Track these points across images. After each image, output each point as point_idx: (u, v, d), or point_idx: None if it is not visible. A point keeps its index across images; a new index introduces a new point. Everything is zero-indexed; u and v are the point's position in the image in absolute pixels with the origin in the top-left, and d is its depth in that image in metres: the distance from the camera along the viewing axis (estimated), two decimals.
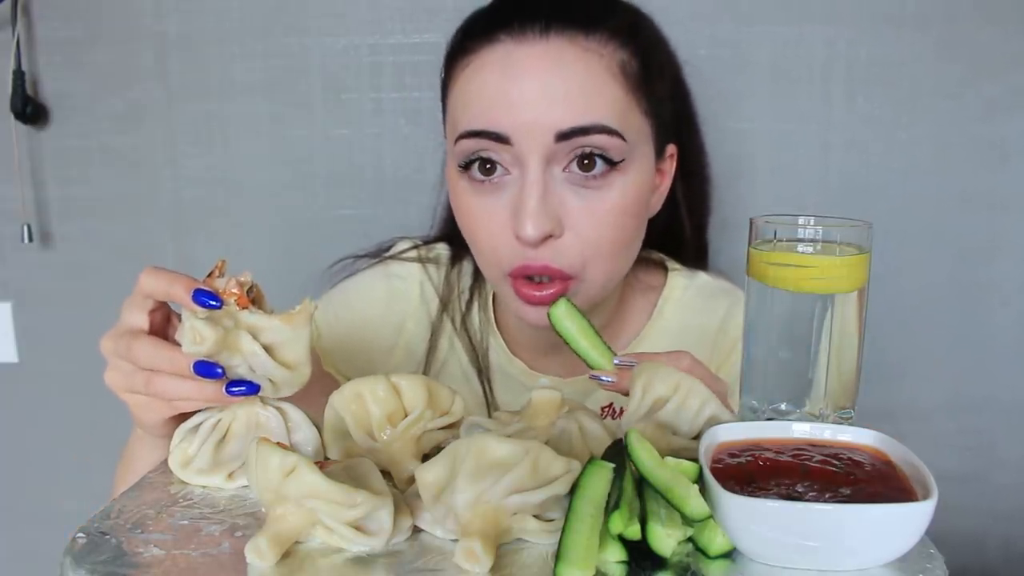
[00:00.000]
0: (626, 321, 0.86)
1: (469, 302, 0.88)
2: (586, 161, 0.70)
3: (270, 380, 0.55)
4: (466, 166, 0.73)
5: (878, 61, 1.08)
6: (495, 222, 0.72)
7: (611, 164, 0.70)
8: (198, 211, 1.17)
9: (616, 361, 0.62)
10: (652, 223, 0.83)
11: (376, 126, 1.13)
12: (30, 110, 1.13)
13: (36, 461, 1.26)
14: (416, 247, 0.91)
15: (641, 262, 0.88)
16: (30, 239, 1.17)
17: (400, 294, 0.88)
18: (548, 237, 0.70)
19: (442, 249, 0.91)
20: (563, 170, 0.70)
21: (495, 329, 0.87)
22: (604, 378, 0.62)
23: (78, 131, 1.16)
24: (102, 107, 1.15)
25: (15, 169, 1.15)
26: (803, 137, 1.10)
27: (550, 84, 0.69)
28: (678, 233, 0.88)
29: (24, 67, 1.12)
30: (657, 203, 0.80)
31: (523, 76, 0.69)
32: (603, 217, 0.71)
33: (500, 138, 0.70)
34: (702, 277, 0.88)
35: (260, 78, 1.13)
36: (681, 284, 0.87)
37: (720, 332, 0.85)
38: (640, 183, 0.73)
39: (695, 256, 0.92)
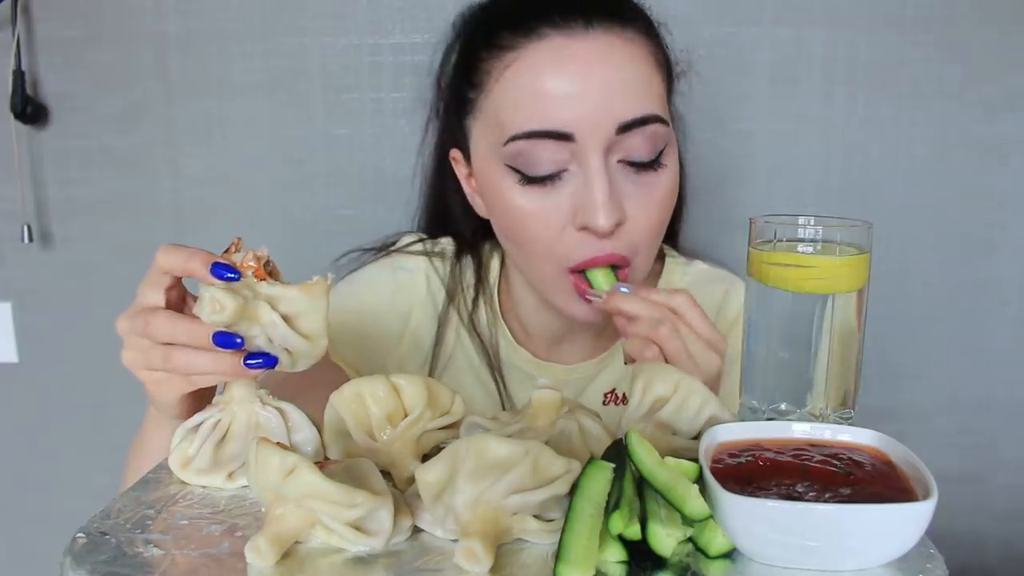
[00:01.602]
0: None
1: (475, 299, 0.89)
2: (641, 151, 0.72)
3: (287, 351, 0.55)
4: (526, 172, 0.72)
5: (878, 62, 1.08)
6: (555, 219, 0.73)
7: (660, 152, 0.73)
8: (198, 211, 1.17)
9: (620, 287, 0.67)
10: None
11: (376, 126, 1.13)
12: (30, 110, 1.13)
13: (36, 461, 1.26)
14: (421, 240, 0.92)
15: None
16: (30, 239, 1.17)
17: (406, 286, 0.89)
18: (617, 226, 0.72)
19: (447, 244, 0.91)
20: (618, 161, 0.72)
21: (501, 321, 0.88)
22: None
23: (78, 131, 1.16)
24: (102, 107, 1.15)
25: (15, 169, 1.15)
26: (803, 137, 1.10)
27: (606, 76, 0.70)
28: (673, 222, 0.90)
29: (24, 67, 1.12)
30: None
31: (578, 70, 0.70)
32: (657, 203, 0.74)
33: (562, 136, 0.70)
34: (698, 264, 0.90)
35: (260, 78, 1.13)
36: (679, 271, 0.89)
37: (718, 316, 0.86)
38: (677, 169, 0.77)
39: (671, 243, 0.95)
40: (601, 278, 0.72)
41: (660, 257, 0.90)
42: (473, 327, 0.88)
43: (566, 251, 0.73)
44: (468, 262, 0.90)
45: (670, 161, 0.75)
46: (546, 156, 0.71)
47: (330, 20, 1.11)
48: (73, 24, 1.13)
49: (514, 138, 0.72)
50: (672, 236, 0.93)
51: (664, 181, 0.74)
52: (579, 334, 0.87)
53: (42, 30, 1.13)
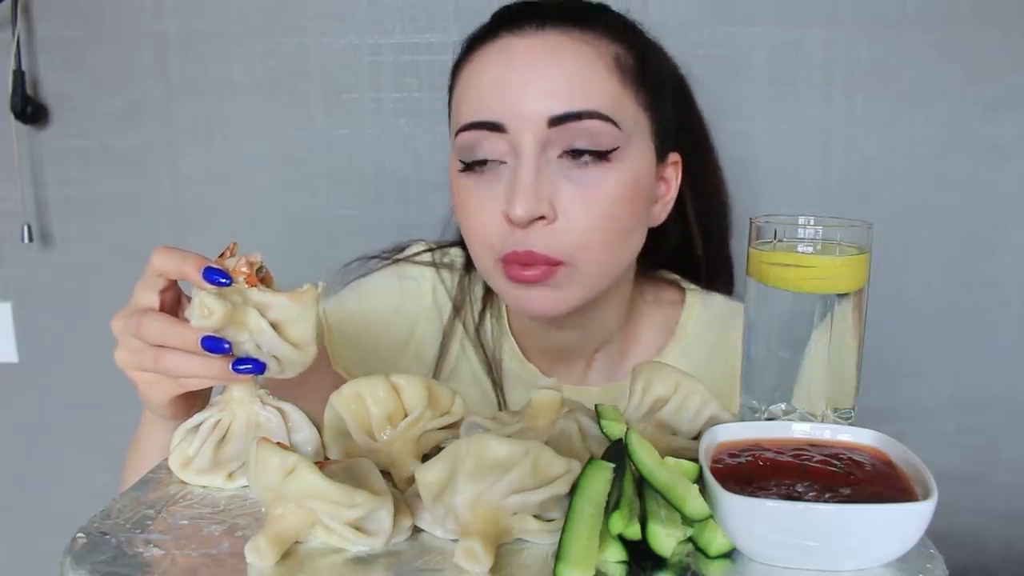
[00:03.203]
0: (640, 340, 0.86)
1: (482, 312, 0.88)
2: (580, 148, 0.71)
3: (276, 358, 0.55)
4: (464, 159, 0.74)
5: (878, 62, 1.08)
6: (489, 209, 0.72)
7: (605, 152, 0.71)
8: (198, 211, 1.17)
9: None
10: (664, 239, 0.83)
11: (376, 126, 1.13)
12: (30, 110, 1.13)
13: (36, 461, 1.26)
14: (431, 250, 0.91)
15: (656, 279, 0.88)
16: (30, 239, 1.17)
17: (412, 295, 0.88)
18: (540, 219, 0.70)
19: (456, 255, 0.90)
20: (558, 157, 0.71)
21: (508, 334, 0.87)
22: None
23: (78, 131, 1.16)
24: (102, 107, 1.15)
25: (15, 169, 1.15)
26: (803, 137, 1.10)
27: (544, 71, 0.71)
28: (691, 252, 0.87)
29: (24, 67, 1.12)
30: (661, 212, 0.79)
31: (517, 65, 0.71)
32: (596, 204, 0.71)
33: (495, 127, 0.71)
34: (717, 298, 0.87)
35: (260, 78, 1.13)
36: (699, 303, 0.86)
37: (736, 352, 0.84)
38: (637, 175, 0.73)
39: (716, 279, 0.89)
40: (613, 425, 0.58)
41: (679, 289, 0.88)
42: (478, 339, 0.87)
43: (499, 243, 0.73)
44: (478, 275, 0.88)
45: (621, 163, 0.72)
46: (487, 147, 0.72)
47: (330, 20, 1.11)
48: (73, 24, 1.13)
49: (459, 130, 0.74)
50: (692, 257, 0.87)
51: (609, 181, 0.71)
52: (579, 350, 0.84)
53: (42, 30, 1.13)
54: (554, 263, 0.71)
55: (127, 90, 1.14)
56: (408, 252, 0.91)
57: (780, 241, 0.56)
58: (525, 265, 0.72)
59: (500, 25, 0.74)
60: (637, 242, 0.78)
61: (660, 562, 0.45)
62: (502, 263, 0.73)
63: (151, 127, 1.15)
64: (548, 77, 0.70)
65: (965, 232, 1.12)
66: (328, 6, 1.11)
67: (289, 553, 0.46)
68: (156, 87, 1.14)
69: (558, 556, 0.42)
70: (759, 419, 0.56)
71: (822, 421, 0.55)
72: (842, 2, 1.07)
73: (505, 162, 0.72)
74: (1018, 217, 1.11)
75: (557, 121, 0.69)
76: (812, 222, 0.55)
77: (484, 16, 0.78)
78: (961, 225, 1.12)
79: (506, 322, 0.87)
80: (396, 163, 1.14)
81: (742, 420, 0.57)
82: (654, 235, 0.81)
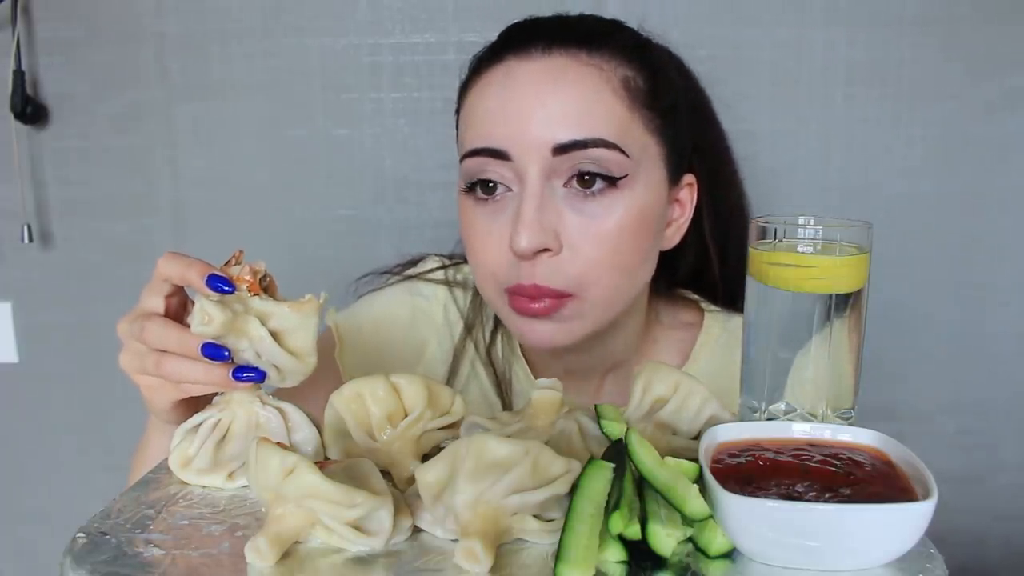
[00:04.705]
0: (656, 359, 0.84)
1: (493, 332, 0.87)
2: (586, 177, 0.69)
3: (275, 367, 0.55)
4: (470, 186, 0.73)
5: (878, 62, 1.08)
6: (495, 239, 0.71)
7: (612, 180, 0.69)
8: (198, 211, 1.17)
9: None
10: (681, 259, 0.82)
11: (376, 126, 1.13)
12: (30, 110, 1.13)
13: (36, 461, 1.26)
14: (444, 267, 0.90)
15: (674, 300, 0.87)
16: (30, 239, 1.17)
17: (424, 314, 0.87)
18: (544, 251, 0.69)
19: (469, 272, 0.89)
20: (563, 186, 0.70)
21: (519, 355, 0.86)
22: None
23: (78, 131, 1.16)
24: (102, 107, 1.15)
25: (15, 169, 1.15)
26: (803, 137, 1.10)
27: (548, 98, 0.69)
28: (707, 273, 0.85)
29: (24, 67, 1.12)
30: (674, 235, 0.78)
31: (522, 91, 0.69)
32: (603, 236, 0.70)
33: (500, 154, 0.69)
34: (737, 319, 0.84)
35: (260, 78, 1.13)
36: (718, 326, 0.85)
37: None
38: (646, 203, 0.72)
39: (737, 298, 0.86)
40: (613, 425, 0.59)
41: (699, 310, 0.86)
42: (489, 359, 0.86)
43: (504, 273, 0.71)
44: None
45: (630, 191, 0.70)
46: (492, 175, 0.71)
47: (330, 20, 1.11)
48: (73, 24, 1.13)
49: (463, 157, 0.72)
50: (708, 278, 0.85)
51: (616, 211, 0.69)
52: (591, 372, 0.83)
53: (42, 30, 1.13)
54: (561, 295, 0.70)
55: (127, 90, 1.14)
56: (421, 268, 0.90)
57: (780, 241, 0.56)
58: (532, 298, 0.70)
59: (506, 47, 0.72)
60: (647, 271, 0.76)
61: (660, 562, 0.45)
62: (507, 294, 0.72)
63: (151, 127, 1.15)
64: (553, 104, 0.68)
65: (965, 232, 1.12)
66: (328, 6, 1.11)
67: (289, 553, 0.46)
68: (156, 87, 1.14)
69: (558, 556, 0.42)
70: (759, 419, 0.56)
71: (822, 421, 0.55)
72: (842, 2, 1.07)
73: (511, 189, 0.71)
74: (1018, 217, 1.11)
75: (562, 149, 0.68)
76: (812, 222, 0.55)
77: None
78: (961, 225, 1.12)
79: (517, 342, 0.86)
80: (396, 163, 1.14)
81: (742, 420, 0.57)
82: (671, 256, 0.79)
